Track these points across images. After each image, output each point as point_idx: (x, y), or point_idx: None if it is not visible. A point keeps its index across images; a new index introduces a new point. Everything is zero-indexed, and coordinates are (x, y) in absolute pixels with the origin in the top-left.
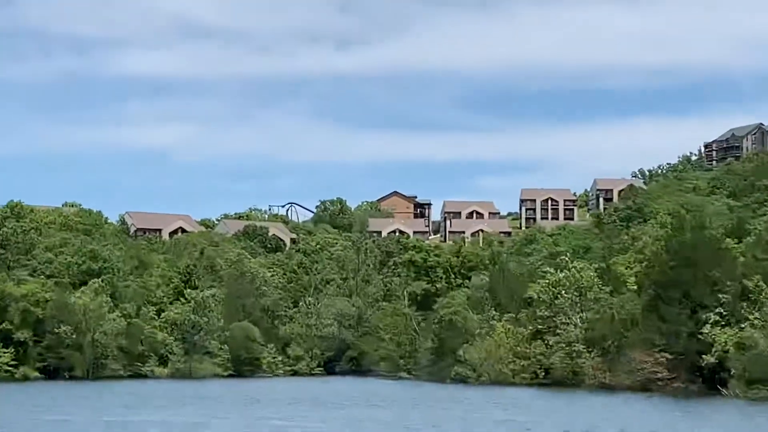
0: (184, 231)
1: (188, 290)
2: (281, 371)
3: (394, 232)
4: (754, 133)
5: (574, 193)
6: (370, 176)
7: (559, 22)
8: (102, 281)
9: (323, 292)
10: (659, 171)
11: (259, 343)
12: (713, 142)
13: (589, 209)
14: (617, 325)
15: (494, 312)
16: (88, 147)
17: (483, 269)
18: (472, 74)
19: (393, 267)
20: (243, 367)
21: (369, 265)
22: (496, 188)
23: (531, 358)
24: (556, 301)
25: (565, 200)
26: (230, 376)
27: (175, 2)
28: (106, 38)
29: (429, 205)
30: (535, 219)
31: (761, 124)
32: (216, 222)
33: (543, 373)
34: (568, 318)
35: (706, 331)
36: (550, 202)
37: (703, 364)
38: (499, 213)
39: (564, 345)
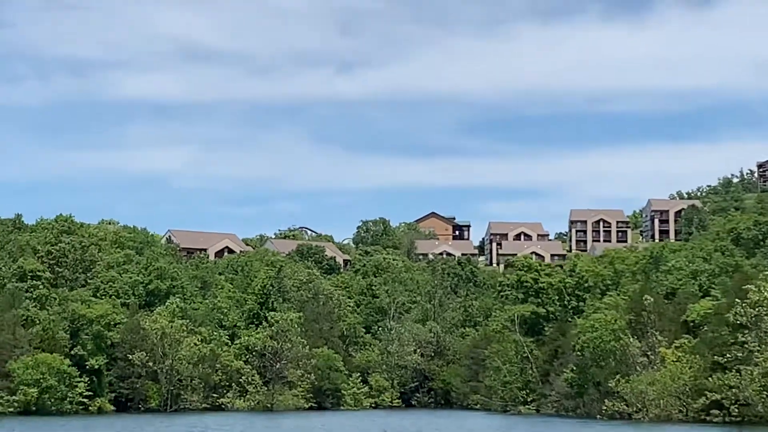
0: (230, 251)
1: (269, 313)
2: (366, 404)
3: (441, 254)
4: None
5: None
6: (373, 200)
7: (565, 46)
8: (175, 303)
9: (401, 316)
10: (699, 194)
11: (343, 373)
12: (767, 161)
13: (642, 231)
14: None
15: (659, 337)
16: (87, 171)
17: (604, 290)
18: (475, 98)
19: (468, 290)
20: (325, 398)
21: (447, 288)
22: (496, 213)
23: (717, 392)
24: (761, 324)
25: (617, 222)
26: (311, 408)
27: (176, 25)
28: (106, 61)
29: (468, 226)
30: (585, 241)
31: None
32: (260, 241)
33: (735, 410)
34: None
35: None
36: (602, 223)
37: None
38: (547, 234)
39: (766, 376)
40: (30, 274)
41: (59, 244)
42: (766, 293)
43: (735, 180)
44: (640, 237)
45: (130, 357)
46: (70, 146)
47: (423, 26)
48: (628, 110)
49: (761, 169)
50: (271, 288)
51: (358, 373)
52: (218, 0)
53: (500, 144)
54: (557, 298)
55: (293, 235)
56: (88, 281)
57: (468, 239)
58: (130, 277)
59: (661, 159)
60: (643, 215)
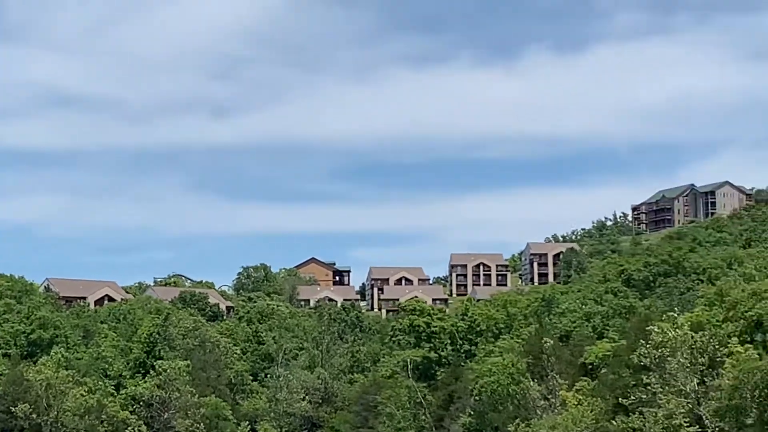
0: (111, 299)
1: (156, 362)
2: None
3: (323, 299)
4: (686, 195)
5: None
6: (250, 246)
7: (439, 91)
8: (59, 353)
9: (288, 363)
10: (575, 237)
11: (231, 421)
12: (642, 204)
13: (521, 275)
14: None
15: (559, 380)
16: None
17: (497, 333)
18: (350, 144)
19: (355, 335)
20: None
21: (333, 333)
22: (375, 258)
23: None
24: (666, 365)
25: (497, 265)
26: None
27: (44, 71)
28: None
29: (348, 271)
30: (466, 285)
31: (693, 185)
32: (140, 288)
33: None
34: (681, 384)
35: None
36: (482, 267)
37: None
38: (428, 279)
39: (669, 418)
40: None
41: None
42: (670, 334)
43: (609, 223)
44: (520, 280)
45: (13, 409)
46: None
47: (296, 71)
48: (500, 156)
49: (635, 212)
50: (157, 336)
51: (247, 422)
52: (89, 47)
53: (376, 190)
54: (449, 342)
55: (174, 282)
56: None
57: (349, 284)
58: (11, 327)
59: (534, 203)
60: (522, 258)
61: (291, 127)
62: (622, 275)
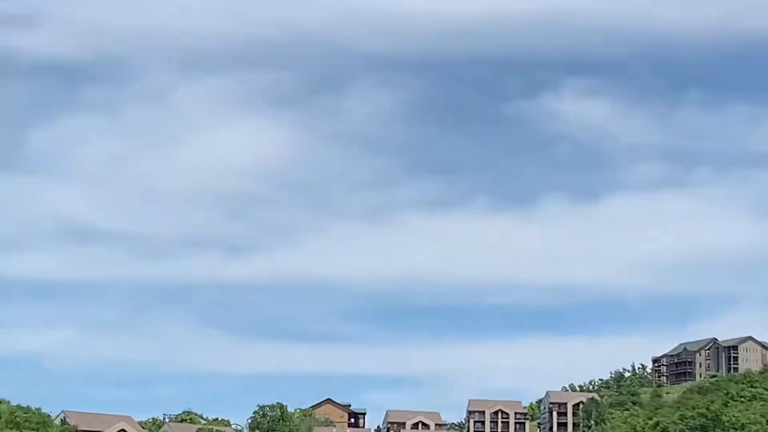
0: None
1: None
2: None
3: None
4: (708, 349)
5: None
6: (264, 385)
7: (452, 236)
8: None
9: None
10: (591, 387)
11: None
12: (663, 356)
13: (540, 423)
14: None
15: None
16: None
17: None
18: (363, 285)
19: None
20: None
21: None
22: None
23: None
24: None
25: (516, 413)
26: None
27: (62, 205)
28: None
29: (364, 414)
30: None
31: (715, 339)
32: (154, 424)
33: None
34: None
35: None
36: (500, 414)
37: None
38: (446, 424)
39: None
40: None
41: None
42: None
43: (627, 374)
44: (538, 429)
45: None
46: None
47: (310, 212)
48: (513, 302)
49: (656, 364)
50: None
51: None
52: (107, 180)
53: (388, 332)
54: None
55: (190, 419)
56: None
57: (364, 427)
58: None
59: (547, 351)
60: (541, 407)
61: (304, 267)
62: (657, 427)
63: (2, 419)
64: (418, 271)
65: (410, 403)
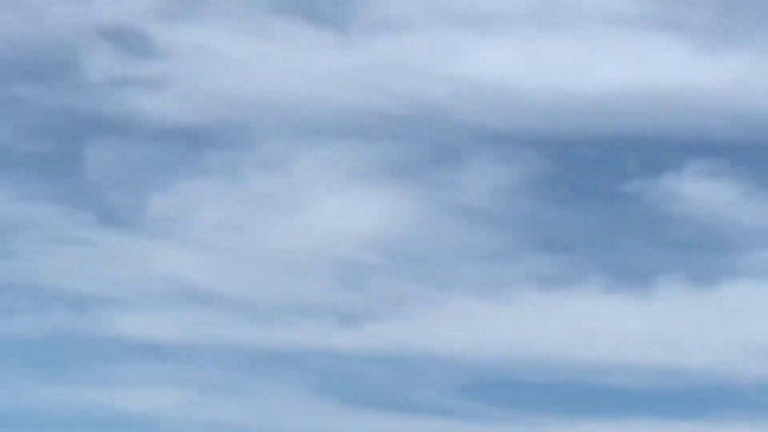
0: None
1: None
2: None
3: None
4: None
5: None
6: None
7: (566, 313)
8: None
9: None
10: None
11: None
12: None
13: None
14: None
15: None
16: (67, 407)
17: None
18: (473, 360)
19: None
20: None
21: None
22: None
23: None
24: None
25: None
26: None
27: (177, 267)
28: (104, 298)
29: None
30: None
31: None
32: None
33: None
34: None
35: None
36: None
37: None
38: None
39: None
40: None
41: None
42: None
43: None
44: None
45: None
46: (58, 380)
47: (424, 284)
48: (623, 384)
49: None
50: None
51: None
52: (220, 245)
53: (500, 409)
54: None
55: None
56: None
57: None
58: None
59: None
60: None
61: (416, 339)
62: None
63: None
64: (529, 348)
65: None
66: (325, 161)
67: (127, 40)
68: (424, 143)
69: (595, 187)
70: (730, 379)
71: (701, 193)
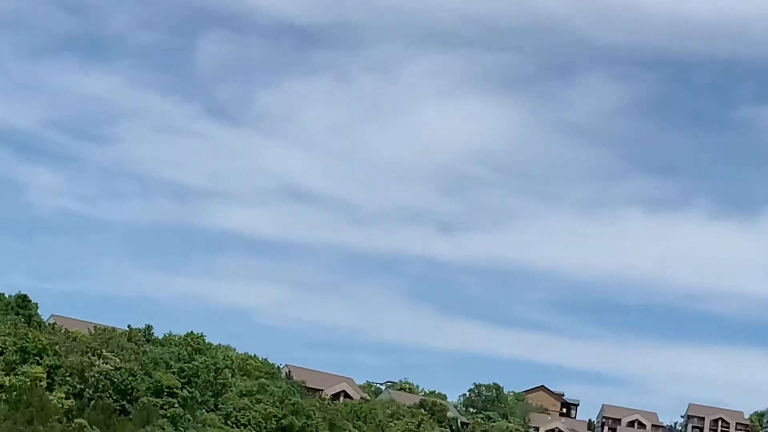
0: (347, 395)
1: None
2: None
3: (552, 430)
4: None
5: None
6: (455, 365)
7: (669, 237)
8: None
9: None
10: None
11: None
12: None
13: None
14: None
15: None
16: (169, 296)
17: None
18: (571, 277)
19: None
20: None
21: None
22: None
23: None
24: None
25: (737, 423)
26: None
27: (282, 164)
28: (207, 190)
29: (577, 405)
30: None
31: None
32: (368, 388)
33: None
34: None
35: None
36: (720, 422)
37: None
38: (663, 426)
39: None
40: (167, 390)
41: (193, 362)
42: None
43: None
44: None
45: None
46: (160, 268)
47: (526, 198)
48: (722, 311)
49: None
50: None
51: None
52: (328, 146)
53: (597, 327)
54: None
55: (409, 388)
56: (219, 406)
57: (575, 417)
58: (264, 408)
59: (762, 364)
60: (764, 420)
61: (515, 252)
62: None
63: (235, 365)
64: (630, 269)
65: (618, 401)
66: (435, 69)
67: None
68: (538, 57)
69: (705, 111)
70: None
71: None
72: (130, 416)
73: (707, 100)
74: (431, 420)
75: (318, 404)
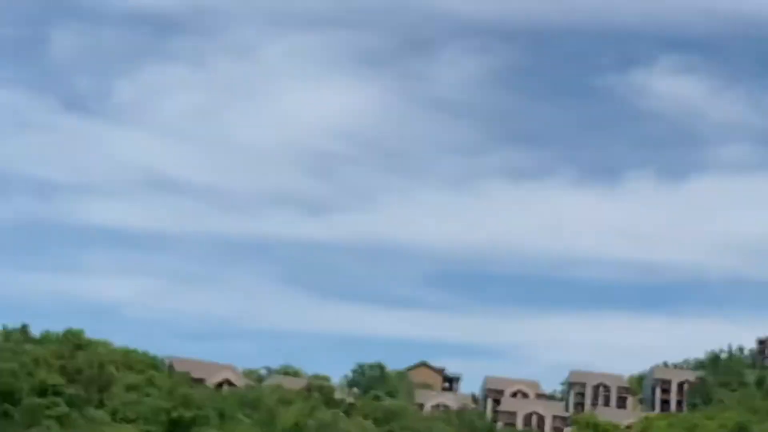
0: (230, 383)
1: None
2: None
3: (437, 406)
4: None
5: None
6: (334, 347)
7: (535, 206)
8: None
9: None
10: (685, 366)
11: None
12: None
13: (641, 399)
14: None
15: None
16: (38, 294)
17: None
18: (441, 252)
19: None
20: None
21: None
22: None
23: None
24: None
25: (618, 387)
26: None
27: (145, 154)
28: (70, 184)
29: (458, 379)
30: (583, 404)
31: None
32: (252, 374)
33: None
34: None
35: None
36: (601, 388)
37: None
38: (545, 395)
39: None
40: (52, 389)
41: (75, 359)
42: None
43: (722, 355)
44: (640, 405)
45: None
46: (24, 267)
47: (392, 175)
48: (592, 277)
49: (761, 346)
50: (303, 427)
51: None
52: (187, 132)
53: (469, 300)
54: None
55: (295, 373)
56: (105, 402)
57: (457, 392)
58: (153, 402)
59: (630, 329)
60: (644, 383)
61: (384, 230)
62: None
63: (117, 360)
64: (500, 240)
65: (499, 372)
66: (296, 50)
67: None
68: (395, 34)
69: (567, 80)
70: (699, 273)
71: (672, 88)
72: (15, 419)
73: (568, 70)
74: (321, 403)
75: (207, 395)
